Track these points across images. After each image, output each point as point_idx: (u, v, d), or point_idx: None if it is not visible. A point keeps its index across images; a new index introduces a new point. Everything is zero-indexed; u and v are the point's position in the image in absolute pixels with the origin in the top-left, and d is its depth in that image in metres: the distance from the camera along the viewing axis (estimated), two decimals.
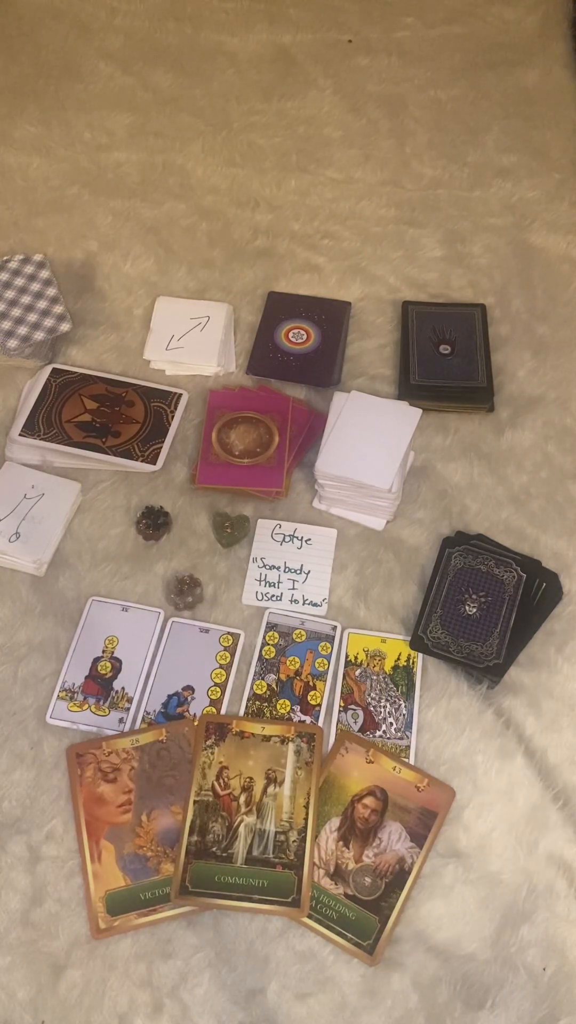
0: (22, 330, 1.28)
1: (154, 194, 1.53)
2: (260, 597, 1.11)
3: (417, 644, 1.05)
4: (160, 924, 0.91)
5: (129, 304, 1.39)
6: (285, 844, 0.93)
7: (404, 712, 1.02)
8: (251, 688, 1.04)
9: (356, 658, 1.06)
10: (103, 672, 1.05)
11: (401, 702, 1.03)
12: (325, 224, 1.49)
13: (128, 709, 1.03)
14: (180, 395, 1.28)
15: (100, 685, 1.04)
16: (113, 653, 1.06)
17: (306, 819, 0.94)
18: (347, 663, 1.06)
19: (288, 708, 1.03)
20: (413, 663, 1.06)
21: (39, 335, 1.28)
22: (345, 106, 1.67)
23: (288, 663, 1.06)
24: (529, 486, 1.20)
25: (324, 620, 1.09)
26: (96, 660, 1.06)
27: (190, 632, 1.08)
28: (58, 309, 1.31)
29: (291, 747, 0.99)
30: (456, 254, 1.45)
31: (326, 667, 1.06)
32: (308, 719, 1.02)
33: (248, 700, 1.04)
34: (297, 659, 1.06)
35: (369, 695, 1.04)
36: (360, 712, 1.03)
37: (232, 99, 1.68)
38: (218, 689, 1.04)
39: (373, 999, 0.87)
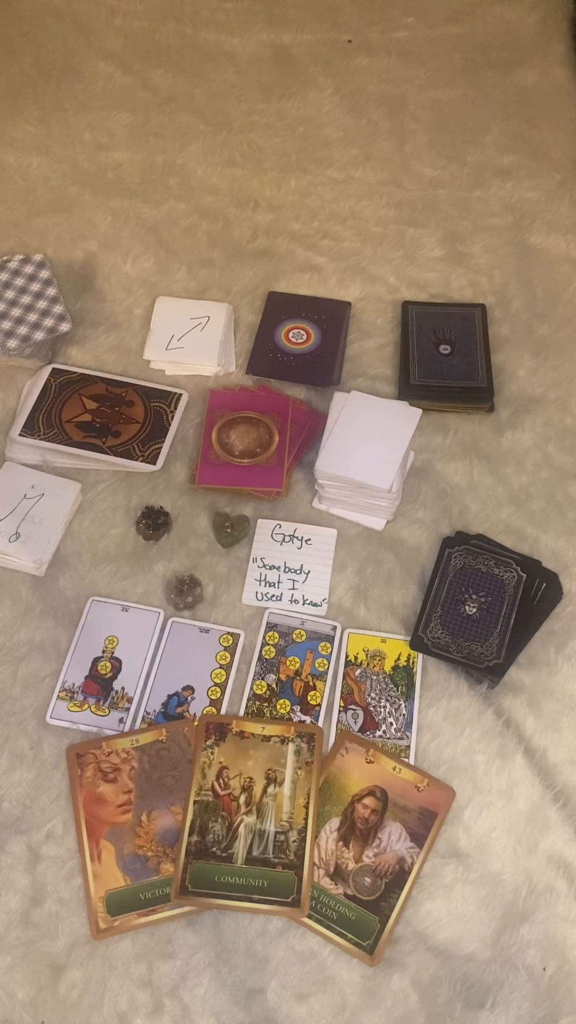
0: (22, 330, 1.28)
1: (154, 194, 1.53)
2: (260, 597, 1.11)
3: (417, 644, 1.05)
4: (160, 924, 0.91)
5: (129, 304, 1.39)
6: (285, 844, 0.93)
7: (404, 712, 1.02)
8: (251, 688, 1.04)
9: (356, 658, 1.06)
10: (103, 672, 1.05)
11: (401, 702, 1.03)
12: (325, 224, 1.49)
13: (128, 709, 1.03)
14: (180, 395, 1.28)
15: (100, 685, 1.04)
16: (113, 653, 1.06)
17: (306, 819, 0.94)
18: (347, 663, 1.06)
19: (288, 708, 1.03)
20: (413, 663, 1.06)
21: (39, 335, 1.28)
22: (345, 106, 1.66)
23: (288, 663, 1.06)
24: (529, 486, 1.20)
25: (324, 620, 1.09)
26: (96, 660, 1.06)
27: (190, 632, 1.08)
28: (58, 309, 1.31)
29: (291, 747, 0.99)
30: (456, 254, 1.45)
31: (326, 667, 1.06)
32: (308, 719, 1.02)
33: (248, 700, 1.04)
34: (297, 659, 1.06)
35: (369, 695, 1.04)
36: (360, 712, 1.03)
37: (232, 99, 1.68)
38: (218, 689, 1.04)
39: (373, 999, 0.87)
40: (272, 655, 1.07)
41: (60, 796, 0.97)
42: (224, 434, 1.22)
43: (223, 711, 1.03)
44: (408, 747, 1.00)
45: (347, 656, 1.06)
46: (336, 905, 0.91)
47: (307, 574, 1.13)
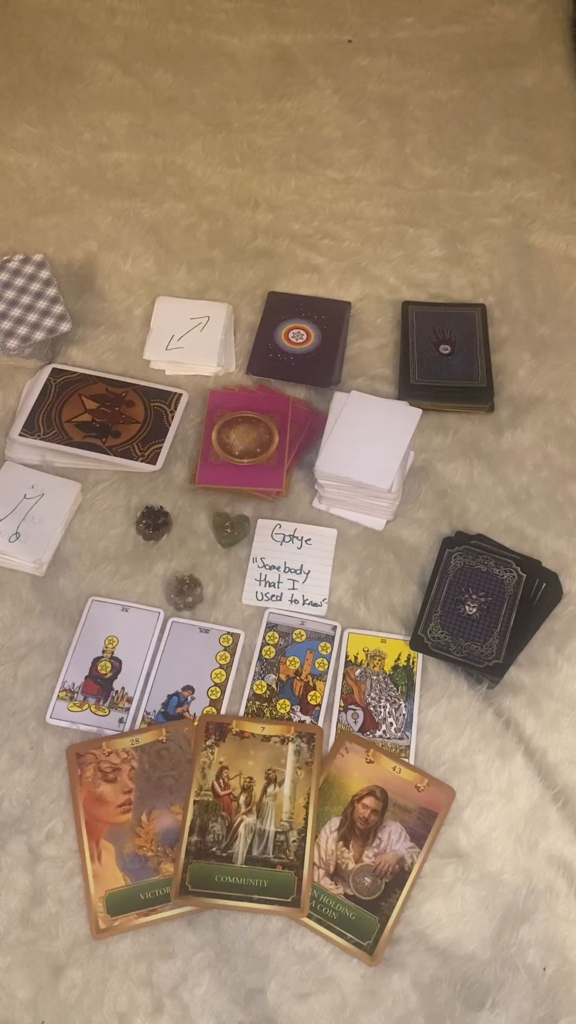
0: (22, 330, 1.28)
1: (154, 194, 1.53)
2: (260, 597, 1.11)
3: (417, 644, 1.05)
4: (160, 924, 0.91)
5: (129, 304, 1.39)
6: (285, 844, 0.93)
7: (404, 712, 1.02)
8: (251, 688, 1.04)
9: (356, 658, 1.06)
10: (103, 672, 1.05)
11: (401, 702, 1.03)
12: (325, 224, 1.50)
13: (128, 709, 1.03)
14: (180, 395, 1.28)
15: (100, 685, 1.04)
16: (113, 653, 1.06)
17: (306, 819, 0.94)
18: (347, 663, 1.06)
19: (288, 708, 1.03)
20: (413, 663, 1.06)
21: (39, 335, 1.28)
22: (345, 106, 1.67)
23: (288, 663, 1.06)
24: (529, 486, 1.20)
25: (324, 620, 1.09)
26: (96, 660, 1.06)
27: (190, 632, 1.08)
28: (58, 309, 1.31)
29: (291, 747, 0.99)
30: (456, 254, 1.45)
31: (326, 667, 1.06)
32: (308, 719, 1.02)
33: (248, 700, 1.04)
34: (297, 659, 1.06)
35: (369, 695, 1.04)
36: (360, 712, 1.03)
37: (232, 99, 1.68)
38: (218, 689, 1.04)
39: (373, 999, 0.87)
40: (272, 655, 1.07)
41: (60, 796, 0.97)
42: (224, 434, 1.22)
43: (223, 711, 1.03)
44: (408, 747, 1.00)
45: (347, 656, 1.06)
46: (336, 905, 0.91)
47: (307, 574, 1.13)
